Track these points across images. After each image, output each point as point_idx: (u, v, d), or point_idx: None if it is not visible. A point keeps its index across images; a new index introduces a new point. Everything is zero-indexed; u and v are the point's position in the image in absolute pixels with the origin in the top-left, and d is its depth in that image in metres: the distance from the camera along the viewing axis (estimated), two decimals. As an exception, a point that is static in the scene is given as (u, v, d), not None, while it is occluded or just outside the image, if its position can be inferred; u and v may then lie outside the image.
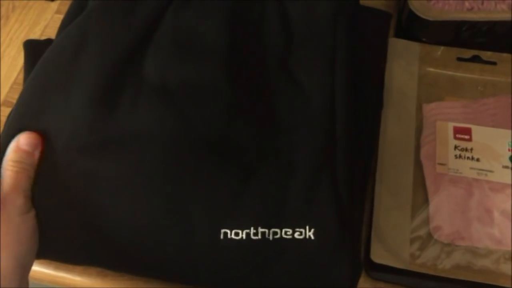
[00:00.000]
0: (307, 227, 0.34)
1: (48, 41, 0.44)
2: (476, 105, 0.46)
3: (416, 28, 0.48)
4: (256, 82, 0.38)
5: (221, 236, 0.34)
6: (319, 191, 0.34)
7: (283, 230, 0.34)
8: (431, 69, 0.48)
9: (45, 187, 0.35)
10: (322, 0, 0.40)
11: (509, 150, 0.43)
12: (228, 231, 0.34)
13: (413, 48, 0.48)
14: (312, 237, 0.34)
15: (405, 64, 0.48)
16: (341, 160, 0.35)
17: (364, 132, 0.43)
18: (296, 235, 0.34)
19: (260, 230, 0.34)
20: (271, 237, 0.34)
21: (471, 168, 0.42)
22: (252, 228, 0.34)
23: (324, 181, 0.35)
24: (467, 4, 0.47)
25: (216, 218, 0.34)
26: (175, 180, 0.34)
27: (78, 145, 0.35)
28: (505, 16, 0.46)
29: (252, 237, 0.34)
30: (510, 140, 0.43)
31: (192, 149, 0.35)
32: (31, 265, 0.34)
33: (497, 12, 0.47)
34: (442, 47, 0.48)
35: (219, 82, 0.37)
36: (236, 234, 0.34)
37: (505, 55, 0.47)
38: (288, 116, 0.37)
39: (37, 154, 0.35)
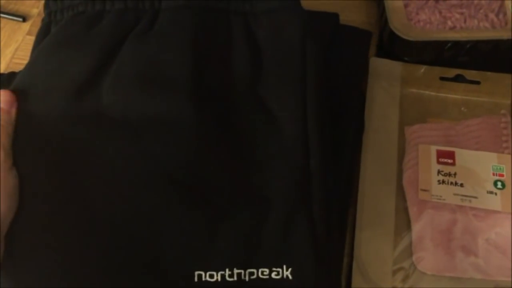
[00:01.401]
0: (284, 267, 0.32)
1: (11, 75, 0.42)
2: (460, 127, 0.44)
3: (397, 48, 0.47)
4: (225, 113, 0.36)
5: (195, 279, 0.32)
6: (295, 228, 0.33)
7: (260, 270, 0.32)
8: (414, 90, 0.46)
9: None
10: (290, 22, 0.39)
11: (493, 174, 0.41)
12: (203, 273, 0.32)
13: (395, 68, 0.47)
14: (290, 277, 0.32)
15: (387, 85, 0.46)
16: (317, 195, 0.34)
17: (343, 158, 0.42)
18: (273, 275, 0.32)
19: (236, 271, 0.32)
20: (247, 278, 0.32)
21: (455, 194, 0.40)
22: (227, 270, 0.32)
23: (299, 218, 0.33)
24: (449, 23, 0.46)
25: (189, 261, 0.32)
26: (144, 222, 0.33)
27: None
28: (488, 35, 0.45)
29: (228, 278, 0.32)
30: (495, 164, 0.42)
31: (159, 189, 0.33)
32: (6, 226, 0.33)
33: (480, 31, 0.45)
34: (424, 67, 0.47)
35: (184, 115, 0.35)
36: (211, 276, 0.32)
37: (489, 73, 0.46)
38: (260, 148, 0.35)
39: (13, 111, 0.35)
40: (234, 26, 0.39)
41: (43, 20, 0.43)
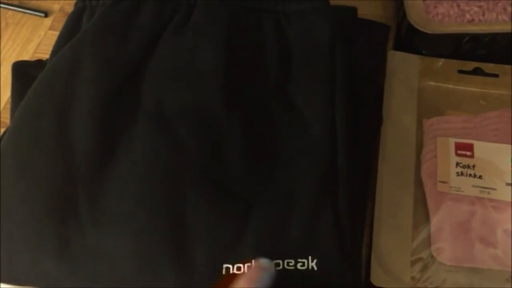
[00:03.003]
0: (310, 258, 0.33)
1: (38, 63, 0.43)
2: (478, 120, 0.44)
3: (415, 41, 0.47)
4: (254, 108, 0.37)
5: (223, 271, 0.33)
6: (321, 222, 0.34)
7: (286, 261, 0.33)
8: (432, 83, 0.46)
9: None
10: (320, 23, 0.39)
11: (512, 166, 0.41)
12: (230, 266, 0.33)
13: (413, 61, 0.47)
14: (315, 268, 0.33)
15: (405, 78, 0.46)
16: (343, 190, 0.35)
17: (362, 151, 0.42)
18: (299, 266, 0.33)
19: None
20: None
21: (474, 186, 0.41)
22: (253, 262, 0.33)
23: (325, 211, 0.34)
24: (467, 16, 0.46)
25: (217, 254, 0.33)
26: (174, 215, 0.33)
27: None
28: (506, 27, 0.45)
29: None
30: (514, 156, 0.42)
31: (189, 182, 0.34)
32: None
33: (499, 23, 0.45)
34: (442, 60, 0.47)
35: (215, 110, 0.36)
36: (238, 268, 0.33)
37: (507, 67, 0.46)
38: (287, 144, 0.36)
39: None
40: (266, 25, 0.40)
41: (76, 3, 0.43)
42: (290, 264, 0.33)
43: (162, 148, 0.35)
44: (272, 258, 0.33)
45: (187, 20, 0.39)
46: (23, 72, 0.42)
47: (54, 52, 0.41)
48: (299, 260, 0.33)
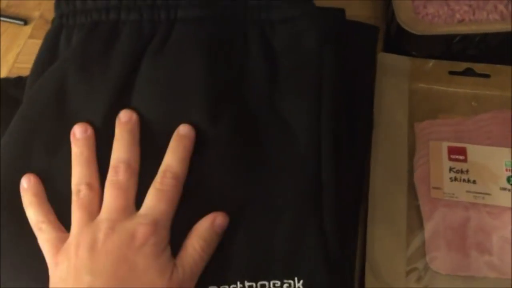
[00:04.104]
0: (296, 279, 0.32)
1: (18, 81, 0.42)
2: (471, 122, 0.43)
3: (405, 42, 0.46)
4: (240, 123, 0.36)
5: None
6: (306, 239, 0.32)
7: (271, 283, 0.32)
8: (423, 85, 0.45)
9: None
10: (306, 30, 0.38)
11: (506, 170, 0.41)
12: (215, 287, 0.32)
13: (403, 62, 0.46)
14: None
15: (395, 80, 0.46)
16: (328, 207, 0.33)
17: (353, 156, 0.41)
18: (285, 287, 0.32)
19: (247, 284, 0.32)
20: None
21: (468, 192, 0.40)
22: (238, 283, 0.32)
23: (311, 227, 0.33)
24: (457, 15, 0.45)
25: (202, 276, 0.32)
26: None
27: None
28: (497, 27, 0.44)
29: None
30: (508, 159, 0.41)
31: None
32: None
33: (489, 23, 0.44)
34: (433, 61, 0.46)
35: (201, 128, 0.35)
36: None
37: (499, 66, 0.45)
38: (273, 156, 0.35)
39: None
40: (250, 36, 0.39)
41: (53, 21, 0.42)
42: (276, 285, 0.32)
43: (147, 170, 0.34)
44: (257, 279, 0.32)
45: (168, 37, 0.38)
46: (1, 91, 0.40)
47: (33, 78, 0.39)
48: (285, 281, 0.32)
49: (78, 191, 0.34)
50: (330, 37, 0.40)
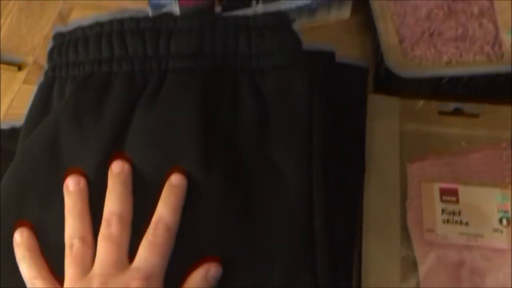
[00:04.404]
0: None
1: (11, 132, 0.42)
2: (461, 162, 0.44)
3: (394, 84, 0.47)
4: (232, 172, 0.36)
5: None
6: None
7: None
8: (413, 126, 0.46)
9: None
10: (296, 78, 0.39)
11: (498, 210, 0.41)
12: None
13: (393, 104, 0.47)
14: None
15: (386, 122, 0.46)
16: (321, 256, 0.34)
17: (346, 201, 0.41)
18: None
19: None
20: None
21: (461, 234, 0.40)
22: None
23: (303, 280, 0.33)
24: (445, 57, 0.46)
25: None
26: None
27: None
28: (484, 69, 0.45)
29: None
30: (499, 200, 0.41)
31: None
32: None
33: (477, 65, 0.45)
34: (422, 101, 0.46)
35: (193, 178, 0.35)
36: None
37: (488, 106, 0.46)
38: (265, 205, 0.35)
39: None
40: (241, 84, 0.39)
41: (46, 73, 0.43)
42: None
43: (139, 222, 0.34)
44: None
45: (159, 88, 0.38)
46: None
47: (27, 130, 0.40)
48: None
49: (71, 245, 0.34)
50: (319, 84, 0.40)
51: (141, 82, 0.39)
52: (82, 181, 0.36)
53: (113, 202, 0.35)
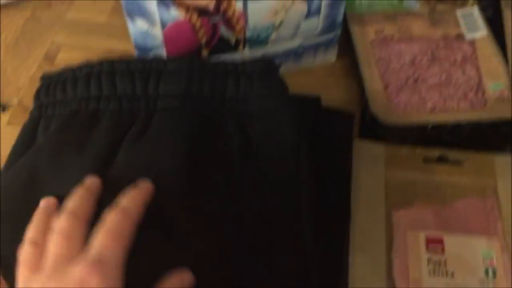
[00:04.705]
0: None
1: None
2: (447, 211, 0.44)
3: (380, 130, 0.47)
4: (220, 217, 0.36)
5: None
6: None
7: None
8: (398, 172, 0.46)
9: None
10: (283, 124, 0.39)
11: (483, 261, 0.40)
12: None
13: (378, 150, 0.47)
14: None
15: (371, 168, 0.46)
16: None
17: (331, 249, 0.41)
18: None
19: None
20: None
21: (447, 286, 0.40)
22: None
23: None
24: (429, 104, 0.46)
25: None
26: None
27: None
28: (467, 117, 0.45)
29: None
30: (484, 249, 0.41)
31: None
32: None
33: (460, 112, 0.45)
34: (407, 148, 0.47)
35: (178, 219, 0.34)
36: None
37: (472, 154, 0.46)
38: (253, 255, 0.35)
39: None
40: (229, 128, 0.39)
41: (31, 112, 0.42)
42: None
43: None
44: None
45: (146, 127, 0.38)
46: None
47: (8, 165, 0.39)
48: None
49: (23, 250, 0.33)
50: (306, 129, 0.40)
51: (128, 120, 0.39)
52: (52, 200, 0.35)
53: (70, 201, 0.34)
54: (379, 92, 0.47)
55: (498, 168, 0.45)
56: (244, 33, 0.48)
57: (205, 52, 0.48)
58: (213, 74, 0.40)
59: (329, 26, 0.50)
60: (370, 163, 0.46)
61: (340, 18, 0.49)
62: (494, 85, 0.47)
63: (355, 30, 0.52)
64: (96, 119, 0.39)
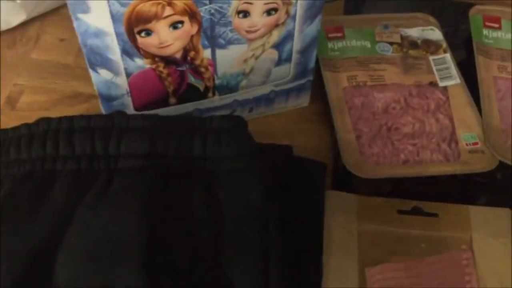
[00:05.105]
0: None
1: None
2: (422, 266, 0.42)
3: (352, 181, 0.45)
4: (182, 284, 0.34)
5: None
6: None
7: None
8: (371, 226, 0.44)
9: None
10: (252, 184, 0.37)
11: (460, 320, 0.39)
12: None
13: (350, 201, 0.45)
14: None
15: (343, 221, 0.44)
16: None
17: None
18: None
19: None
20: None
21: None
22: None
23: None
24: (402, 155, 0.45)
25: None
26: None
27: None
28: (441, 170, 0.44)
29: None
30: (460, 309, 0.40)
31: None
32: None
33: (433, 165, 0.45)
34: (381, 199, 0.45)
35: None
36: None
37: (447, 205, 0.45)
38: None
39: None
40: (196, 188, 0.37)
41: None
42: None
43: None
44: None
45: (105, 189, 0.36)
46: None
47: None
48: None
49: None
50: (276, 187, 0.39)
51: (86, 182, 0.37)
52: None
53: None
54: (351, 143, 0.46)
55: (473, 220, 0.44)
56: (213, 80, 0.46)
57: (173, 100, 0.47)
58: (179, 132, 0.38)
59: (301, 72, 0.49)
60: (342, 215, 0.45)
61: (312, 64, 0.48)
62: (467, 136, 0.46)
63: (328, 76, 0.51)
64: (51, 181, 0.36)
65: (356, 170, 0.44)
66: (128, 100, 0.45)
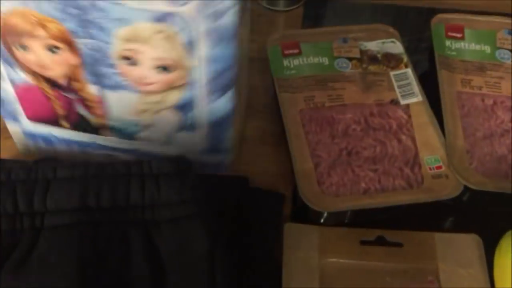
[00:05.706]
0: None
1: None
2: (386, 302, 0.40)
3: (311, 214, 0.43)
4: None
5: None
6: None
7: None
8: (333, 259, 0.42)
9: None
10: (196, 232, 0.35)
11: None
12: None
13: (310, 233, 0.43)
14: None
15: (303, 254, 0.42)
16: None
17: None
18: None
19: None
20: None
21: None
22: None
23: None
24: (363, 184, 0.43)
25: None
26: None
27: None
28: (403, 198, 0.42)
29: None
30: None
31: None
32: None
33: (396, 194, 0.42)
34: (342, 230, 0.43)
35: None
36: None
37: (411, 234, 0.43)
38: None
39: None
40: (133, 240, 0.34)
41: None
42: None
43: None
44: None
45: (30, 251, 0.33)
46: None
47: None
48: None
49: None
50: (223, 235, 0.36)
51: (8, 244, 0.33)
52: None
53: None
54: (308, 174, 0.43)
55: (439, 249, 0.42)
56: (107, 120, 0.41)
57: (66, 125, 0.42)
58: (113, 180, 0.35)
59: (215, 148, 0.43)
60: (302, 249, 0.42)
61: (226, 144, 0.43)
62: (430, 159, 0.44)
63: (283, 97, 0.48)
64: None
65: (314, 204, 0.41)
66: (19, 108, 0.42)
